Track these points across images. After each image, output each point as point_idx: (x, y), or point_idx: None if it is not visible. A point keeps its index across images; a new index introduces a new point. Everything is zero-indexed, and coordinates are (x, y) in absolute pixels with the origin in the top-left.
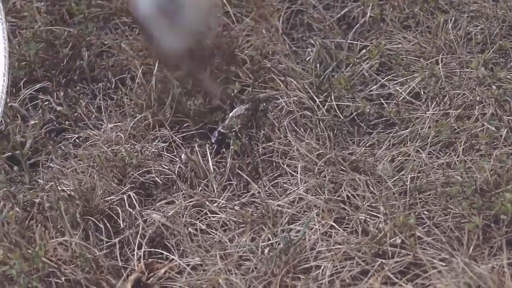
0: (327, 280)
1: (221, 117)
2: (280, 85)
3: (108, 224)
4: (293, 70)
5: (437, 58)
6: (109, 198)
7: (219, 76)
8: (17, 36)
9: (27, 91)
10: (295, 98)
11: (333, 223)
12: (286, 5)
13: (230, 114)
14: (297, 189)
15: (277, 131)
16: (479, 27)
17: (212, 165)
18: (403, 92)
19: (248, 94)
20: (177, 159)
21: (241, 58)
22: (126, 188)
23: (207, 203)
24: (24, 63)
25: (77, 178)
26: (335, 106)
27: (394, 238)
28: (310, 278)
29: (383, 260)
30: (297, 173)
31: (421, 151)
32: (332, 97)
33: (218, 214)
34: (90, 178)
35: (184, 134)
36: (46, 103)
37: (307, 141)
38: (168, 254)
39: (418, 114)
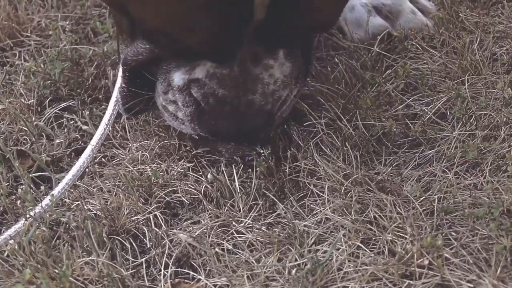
0: None
1: None
2: (304, 106)
3: (134, 244)
4: (319, 91)
5: (462, 78)
6: (135, 217)
7: None
8: (42, 55)
9: (52, 110)
10: (324, 120)
11: (360, 244)
12: None
13: None
14: (323, 209)
15: (303, 151)
16: (505, 48)
17: (238, 185)
18: (429, 112)
19: None
20: (203, 179)
21: None
22: (152, 207)
23: (233, 223)
24: (49, 81)
25: (103, 198)
26: (361, 126)
27: (422, 259)
28: None
29: (411, 281)
30: (324, 193)
31: (447, 171)
32: (358, 117)
33: (244, 234)
34: (116, 197)
35: (210, 153)
36: (71, 122)
37: (333, 161)
38: (194, 274)
39: (444, 134)
